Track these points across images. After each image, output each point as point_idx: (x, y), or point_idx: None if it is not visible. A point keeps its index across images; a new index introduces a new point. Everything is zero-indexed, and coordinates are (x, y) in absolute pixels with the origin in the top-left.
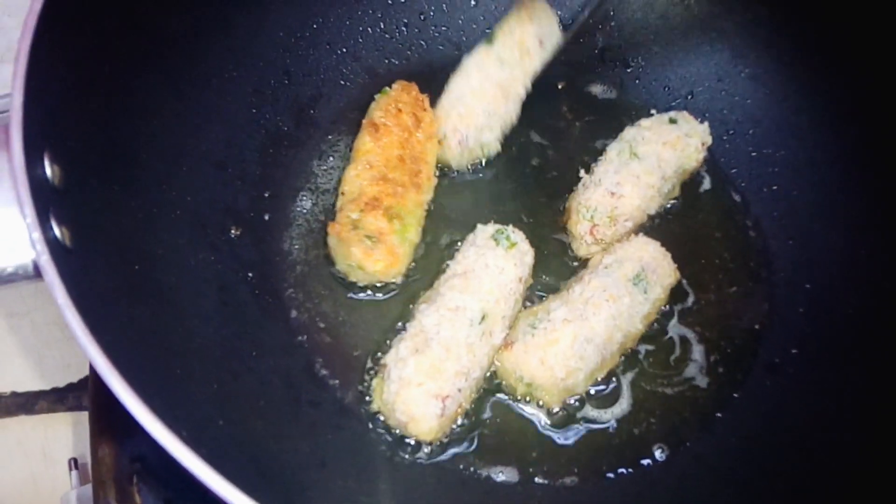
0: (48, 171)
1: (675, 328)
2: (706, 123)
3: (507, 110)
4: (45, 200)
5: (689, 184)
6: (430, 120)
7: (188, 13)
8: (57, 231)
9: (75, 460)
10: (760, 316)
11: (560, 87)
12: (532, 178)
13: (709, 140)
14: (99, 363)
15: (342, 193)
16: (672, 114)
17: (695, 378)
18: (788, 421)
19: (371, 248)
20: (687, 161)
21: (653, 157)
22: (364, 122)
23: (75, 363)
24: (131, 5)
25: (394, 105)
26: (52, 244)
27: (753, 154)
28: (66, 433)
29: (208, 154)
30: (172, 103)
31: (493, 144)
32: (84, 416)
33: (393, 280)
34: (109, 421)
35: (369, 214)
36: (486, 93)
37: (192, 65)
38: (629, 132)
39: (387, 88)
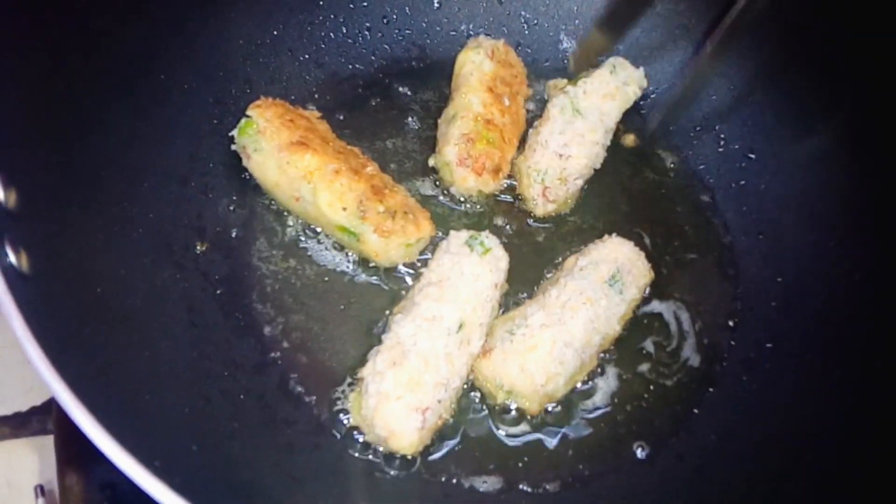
0: (1, 194)
1: (649, 324)
2: (642, 69)
3: None
4: (0, 226)
5: (659, 181)
6: None
7: (144, 24)
8: (13, 258)
9: (41, 487)
10: (733, 311)
11: None
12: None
13: (645, 84)
14: (63, 398)
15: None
16: (611, 61)
17: (671, 375)
18: (767, 416)
19: None
20: (625, 106)
21: (595, 112)
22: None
23: (38, 386)
24: (84, 18)
25: None
26: (9, 272)
27: (721, 150)
28: (31, 459)
29: (170, 169)
30: (131, 118)
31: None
32: (49, 441)
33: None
34: (76, 447)
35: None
36: None
37: (151, 78)
38: (570, 88)
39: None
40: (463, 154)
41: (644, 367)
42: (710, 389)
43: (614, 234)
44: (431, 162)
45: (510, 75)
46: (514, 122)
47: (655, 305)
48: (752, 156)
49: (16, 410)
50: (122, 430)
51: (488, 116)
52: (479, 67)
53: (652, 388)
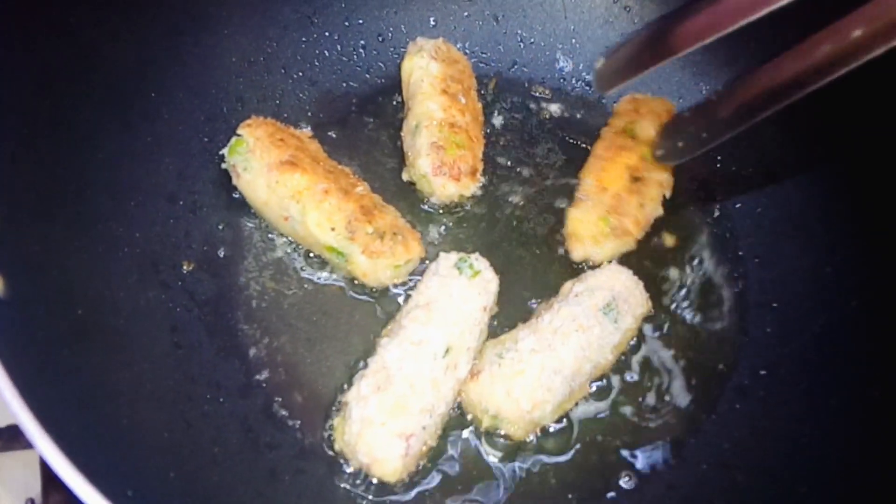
0: None
1: (643, 354)
2: None
3: None
4: None
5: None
6: None
7: (136, 40)
8: None
9: (32, 501)
10: (727, 338)
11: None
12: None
13: None
14: (28, 427)
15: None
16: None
17: (663, 405)
18: (760, 445)
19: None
20: None
21: None
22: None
23: None
24: (75, 33)
25: None
26: None
27: (717, 172)
28: (23, 473)
29: (158, 187)
30: (120, 135)
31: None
32: None
33: None
34: None
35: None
36: None
37: (141, 95)
38: None
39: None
40: (437, 163)
41: (635, 395)
42: (703, 417)
43: (614, 262)
44: (405, 177)
45: (457, 72)
46: (474, 118)
47: (648, 330)
48: (750, 179)
49: (8, 423)
50: (93, 457)
51: (451, 120)
52: (427, 72)
53: (643, 415)
